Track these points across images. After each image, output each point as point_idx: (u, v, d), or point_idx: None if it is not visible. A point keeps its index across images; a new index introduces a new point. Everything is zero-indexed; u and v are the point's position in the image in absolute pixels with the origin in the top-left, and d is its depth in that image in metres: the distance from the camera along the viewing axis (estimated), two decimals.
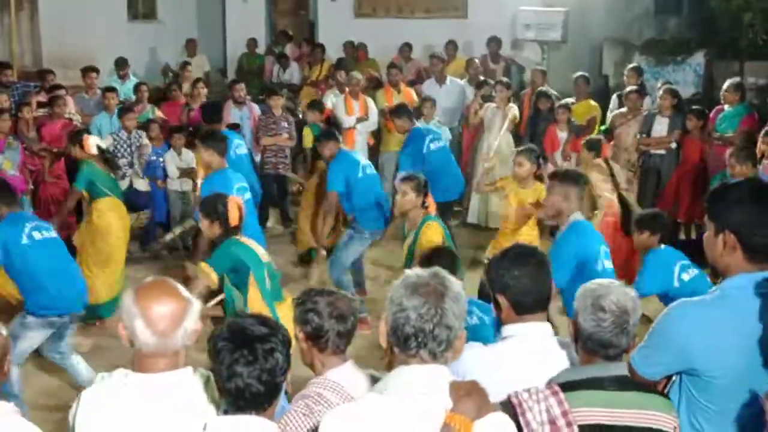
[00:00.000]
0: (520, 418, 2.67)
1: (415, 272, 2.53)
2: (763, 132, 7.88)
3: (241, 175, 7.33)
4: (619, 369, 2.83)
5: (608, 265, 5.27)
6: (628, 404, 2.75)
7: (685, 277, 5.93)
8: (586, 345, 2.83)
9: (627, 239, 7.25)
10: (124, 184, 9.31)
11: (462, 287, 2.55)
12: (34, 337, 5.91)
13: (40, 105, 10.19)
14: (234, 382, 2.37)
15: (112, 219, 7.74)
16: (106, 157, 7.86)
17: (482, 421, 2.41)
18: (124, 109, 9.89)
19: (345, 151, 8.30)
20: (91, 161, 7.72)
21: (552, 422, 2.64)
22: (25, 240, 5.83)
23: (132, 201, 9.16)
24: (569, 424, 2.64)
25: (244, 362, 2.37)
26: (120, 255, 7.87)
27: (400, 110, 9.10)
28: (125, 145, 9.54)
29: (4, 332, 2.92)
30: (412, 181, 6.20)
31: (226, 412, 2.45)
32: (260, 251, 5.60)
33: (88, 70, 11.32)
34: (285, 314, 5.59)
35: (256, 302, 5.45)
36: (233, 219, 5.50)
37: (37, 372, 6.67)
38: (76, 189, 7.78)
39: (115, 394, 2.70)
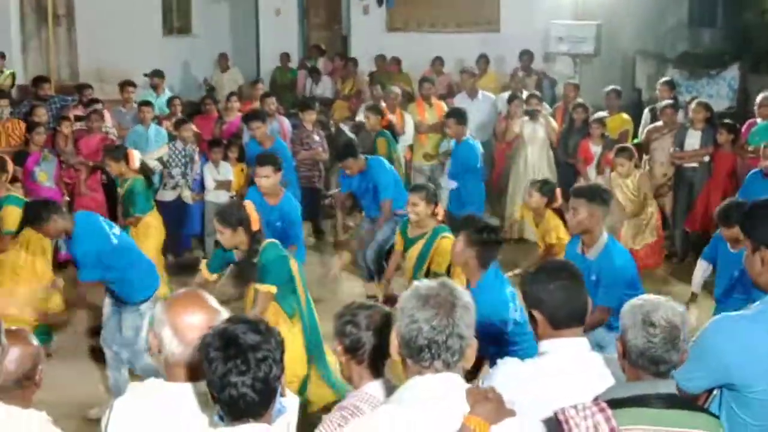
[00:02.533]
0: None
1: (425, 283, 2.55)
2: None
3: None
4: (667, 386, 2.80)
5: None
6: (675, 423, 2.73)
7: None
8: (637, 362, 2.80)
9: None
10: (173, 194, 9.52)
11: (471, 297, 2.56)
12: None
13: (77, 119, 10.33)
14: (228, 392, 2.35)
15: (153, 232, 7.94)
16: (145, 171, 8.01)
17: (499, 426, 2.43)
18: (180, 120, 10.02)
19: (376, 158, 8.43)
20: (138, 178, 7.89)
21: None
22: (114, 240, 6.14)
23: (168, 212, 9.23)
24: None
25: (237, 372, 2.34)
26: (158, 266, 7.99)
27: (460, 115, 9.17)
28: (180, 156, 9.61)
29: (36, 342, 2.97)
30: (422, 191, 6.32)
31: (221, 418, 2.44)
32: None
33: (126, 84, 11.47)
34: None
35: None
36: (255, 223, 5.47)
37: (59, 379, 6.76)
38: (140, 216, 7.91)
39: (147, 404, 2.72)
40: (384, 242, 8.18)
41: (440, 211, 6.41)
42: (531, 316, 3.09)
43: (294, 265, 5.66)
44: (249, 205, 5.59)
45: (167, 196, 9.54)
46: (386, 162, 8.52)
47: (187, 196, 9.69)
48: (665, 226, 9.57)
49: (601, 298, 4.99)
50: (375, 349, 3.16)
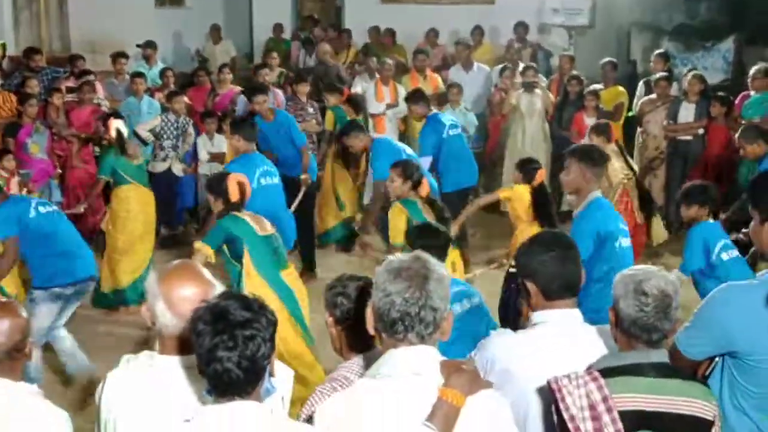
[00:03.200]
0: (560, 404, 2.68)
1: (397, 257, 2.54)
2: None
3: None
4: (659, 356, 2.82)
5: (625, 243, 5.18)
6: (668, 391, 2.75)
7: (725, 256, 5.77)
8: (629, 331, 2.82)
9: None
10: (163, 166, 9.46)
11: (446, 269, 2.56)
12: (44, 313, 5.97)
13: (69, 90, 10.27)
14: (213, 367, 2.33)
15: (133, 206, 7.81)
16: (123, 142, 7.88)
17: (475, 396, 2.44)
18: (172, 92, 9.94)
19: (381, 139, 8.37)
20: (115, 147, 7.82)
21: (592, 408, 2.65)
22: (32, 213, 5.91)
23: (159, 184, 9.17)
24: (609, 410, 2.65)
25: (224, 347, 2.32)
26: (144, 243, 7.92)
27: (416, 96, 9.05)
28: (172, 128, 9.53)
29: (25, 314, 2.96)
30: (398, 167, 6.30)
31: (209, 392, 2.42)
32: (260, 225, 5.75)
33: (118, 56, 11.39)
34: (291, 274, 5.94)
35: (253, 276, 5.65)
36: (233, 195, 5.74)
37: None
38: (101, 178, 7.96)
39: (141, 376, 2.73)
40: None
41: (425, 187, 6.32)
42: (524, 287, 3.09)
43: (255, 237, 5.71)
44: (233, 178, 5.77)
45: (158, 167, 9.48)
46: (393, 143, 8.46)
47: (178, 168, 9.64)
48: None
49: None
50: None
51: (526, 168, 6.97)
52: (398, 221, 6.01)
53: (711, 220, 5.98)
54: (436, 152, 8.59)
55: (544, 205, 6.77)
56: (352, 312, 3.16)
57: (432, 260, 2.53)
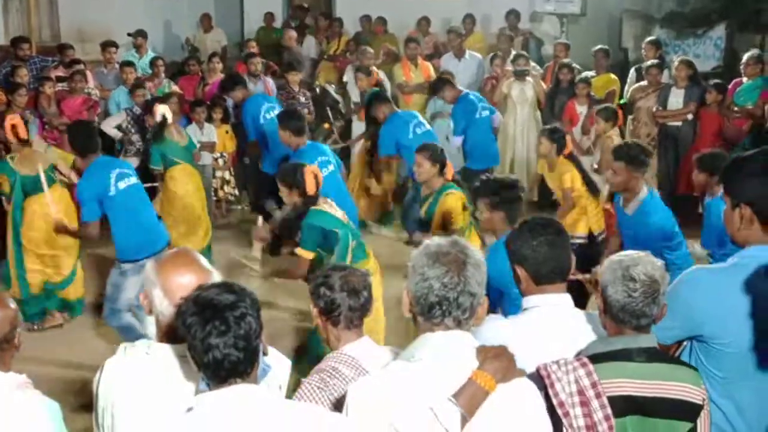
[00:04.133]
0: (549, 390, 2.68)
1: (436, 241, 2.55)
2: None
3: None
4: (647, 340, 2.82)
5: None
6: (657, 376, 2.76)
7: None
8: (617, 316, 2.82)
9: None
10: (136, 161, 9.29)
11: (481, 255, 2.56)
12: (132, 284, 6.07)
13: (58, 80, 10.22)
14: (211, 354, 2.33)
15: (188, 185, 8.04)
16: (165, 126, 8.00)
17: (506, 384, 2.44)
18: (135, 85, 9.89)
19: (397, 114, 8.50)
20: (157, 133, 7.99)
21: (581, 393, 2.66)
22: (112, 191, 6.10)
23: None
24: (598, 396, 2.66)
25: (217, 333, 2.33)
26: (202, 220, 8.10)
27: (440, 84, 9.28)
28: (138, 121, 9.51)
29: (13, 305, 2.95)
30: (427, 151, 6.28)
31: (208, 386, 2.43)
32: (339, 213, 5.66)
33: (107, 45, 11.34)
34: (372, 266, 5.74)
35: None
36: (310, 187, 5.55)
37: (59, 341, 6.74)
38: (154, 169, 8.11)
39: (137, 364, 2.73)
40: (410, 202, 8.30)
41: (450, 170, 6.36)
42: (514, 272, 3.09)
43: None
44: (309, 170, 5.62)
45: (132, 162, 9.44)
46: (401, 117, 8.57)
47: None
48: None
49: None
50: (351, 310, 3.16)
51: (557, 136, 7.13)
52: (456, 204, 6.07)
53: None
54: (467, 131, 8.94)
55: (584, 172, 7.10)
56: (336, 302, 3.16)
57: (469, 246, 2.54)
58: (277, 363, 2.87)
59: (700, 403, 2.79)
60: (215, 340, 2.34)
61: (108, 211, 6.13)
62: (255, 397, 2.39)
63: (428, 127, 8.55)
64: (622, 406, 2.71)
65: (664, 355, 2.87)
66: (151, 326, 6.05)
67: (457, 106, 9.07)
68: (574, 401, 2.65)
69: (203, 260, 2.81)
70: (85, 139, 6.32)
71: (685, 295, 2.96)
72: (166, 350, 2.72)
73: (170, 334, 2.72)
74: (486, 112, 9.09)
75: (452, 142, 9.11)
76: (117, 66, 10.85)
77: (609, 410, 2.66)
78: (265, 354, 2.51)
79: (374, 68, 10.77)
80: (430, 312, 2.47)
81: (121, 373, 2.74)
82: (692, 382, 2.80)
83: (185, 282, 2.68)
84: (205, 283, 2.62)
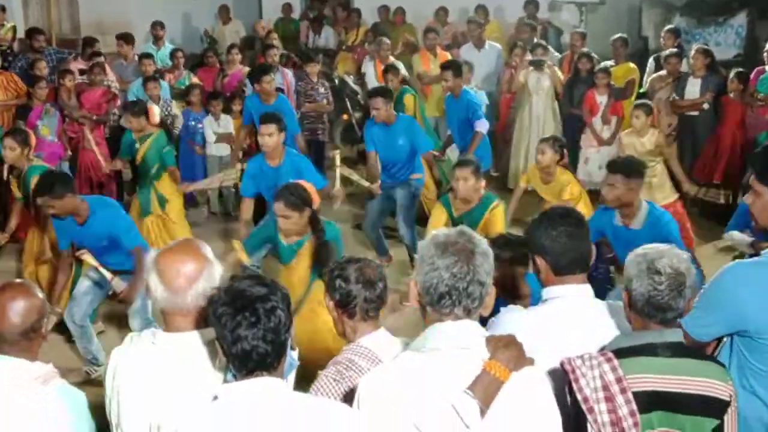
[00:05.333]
0: (573, 384, 2.68)
1: (443, 231, 2.55)
2: None
3: None
4: (674, 335, 2.80)
5: None
6: (683, 371, 2.73)
7: None
8: (643, 310, 2.80)
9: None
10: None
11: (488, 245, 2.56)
12: None
13: (80, 72, 10.27)
14: (240, 346, 2.35)
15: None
16: (166, 125, 7.99)
17: (519, 373, 2.44)
18: (147, 78, 9.88)
19: (407, 116, 8.27)
20: (160, 131, 7.91)
21: (606, 388, 2.65)
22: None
23: None
24: (623, 391, 2.64)
25: (247, 324, 2.34)
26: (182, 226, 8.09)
27: (458, 68, 8.88)
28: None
29: (41, 295, 2.98)
30: (470, 166, 6.13)
31: (234, 377, 2.44)
32: None
33: (121, 38, 11.36)
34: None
35: None
36: (317, 200, 5.41)
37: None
38: (170, 167, 7.92)
39: (144, 353, 2.77)
40: (405, 208, 7.93)
41: (482, 183, 6.26)
42: (534, 262, 3.08)
43: None
44: (306, 184, 5.45)
45: None
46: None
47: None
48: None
49: None
50: (366, 302, 3.17)
51: (560, 145, 7.08)
52: (502, 218, 6.05)
53: None
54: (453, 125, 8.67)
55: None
56: (352, 294, 3.16)
57: (476, 235, 2.54)
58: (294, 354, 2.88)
59: (728, 399, 2.76)
60: (245, 332, 2.35)
61: None
62: (279, 391, 2.41)
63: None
64: (648, 401, 2.69)
65: (690, 350, 2.84)
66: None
67: (468, 96, 8.74)
68: (599, 396, 2.64)
69: (207, 250, 2.83)
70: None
71: (728, 290, 2.94)
72: (171, 339, 2.76)
73: (175, 324, 2.77)
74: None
75: (477, 126, 8.54)
76: (136, 58, 10.87)
77: (634, 406, 2.64)
78: (293, 349, 2.52)
79: (392, 59, 10.74)
80: (439, 302, 2.47)
81: (127, 361, 2.78)
82: (719, 378, 2.77)
83: (183, 269, 2.72)
84: (201, 271, 2.69)
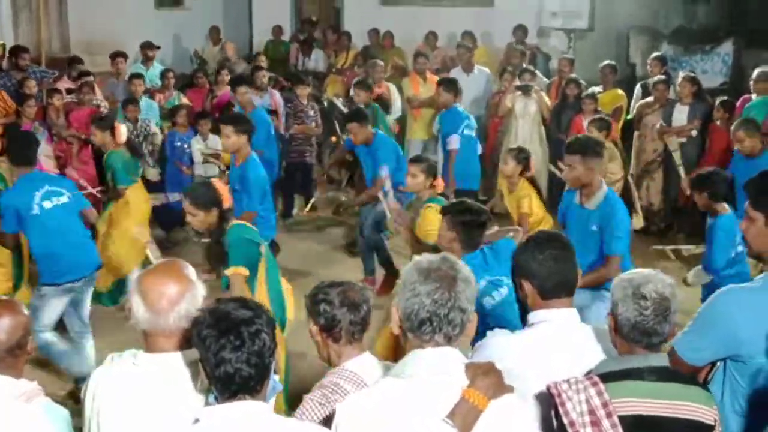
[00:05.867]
0: (560, 408, 2.68)
1: (426, 257, 2.55)
2: None
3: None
4: (659, 360, 2.82)
5: None
6: (668, 395, 2.74)
7: (740, 248, 5.56)
8: (629, 335, 2.81)
9: None
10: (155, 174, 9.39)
11: (470, 271, 2.56)
12: (54, 306, 5.98)
13: (68, 92, 10.26)
14: (223, 368, 2.35)
15: (141, 203, 7.86)
16: (133, 145, 7.93)
17: (497, 401, 2.44)
18: (126, 101, 9.88)
19: (382, 134, 8.29)
20: (117, 151, 7.77)
21: (592, 412, 2.64)
22: (35, 210, 5.89)
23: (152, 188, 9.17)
24: (609, 415, 2.64)
25: (231, 347, 2.34)
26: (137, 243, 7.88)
27: (451, 84, 9.05)
28: (131, 136, 9.45)
29: (26, 312, 2.99)
30: (422, 163, 6.31)
31: (216, 400, 2.44)
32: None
33: (117, 56, 11.38)
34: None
35: (263, 284, 5.35)
36: (227, 200, 5.23)
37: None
38: (122, 187, 7.69)
39: (125, 374, 2.76)
40: (379, 219, 7.95)
41: (439, 183, 6.37)
42: (520, 286, 3.09)
43: (262, 248, 5.36)
44: (218, 184, 5.35)
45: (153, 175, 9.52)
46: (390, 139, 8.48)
47: (152, 173, 9.61)
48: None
49: (612, 247, 5.08)
50: (351, 325, 3.15)
51: (523, 156, 7.13)
52: (435, 220, 5.99)
53: (728, 211, 5.79)
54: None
55: (539, 192, 7.09)
56: (336, 318, 3.14)
57: (459, 262, 2.54)
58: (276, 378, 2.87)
59: (712, 423, 2.77)
60: (229, 355, 2.35)
61: (27, 230, 5.95)
62: (260, 415, 2.40)
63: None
64: (633, 425, 2.69)
65: (675, 374, 2.85)
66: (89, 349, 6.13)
67: (445, 114, 8.96)
68: (585, 421, 2.64)
69: (191, 271, 2.83)
70: (20, 149, 6.16)
71: (723, 313, 2.95)
72: (152, 360, 2.74)
73: (157, 345, 2.75)
74: (470, 131, 8.89)
75: (448, 145, 8.77)
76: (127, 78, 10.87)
77: (620, 430, 2.64)
78: (276, 372, 2.51)
79: (385, 83, 10.80)
80: (420, 328, 2.47)
81: (107, 383, 2.76)
82: (704, 403, 2.78)
83: (166, 290, 2.71)
84: (183, 293, 2.68)
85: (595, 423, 2.63)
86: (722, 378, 3.05)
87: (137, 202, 7.81)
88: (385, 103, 10.08)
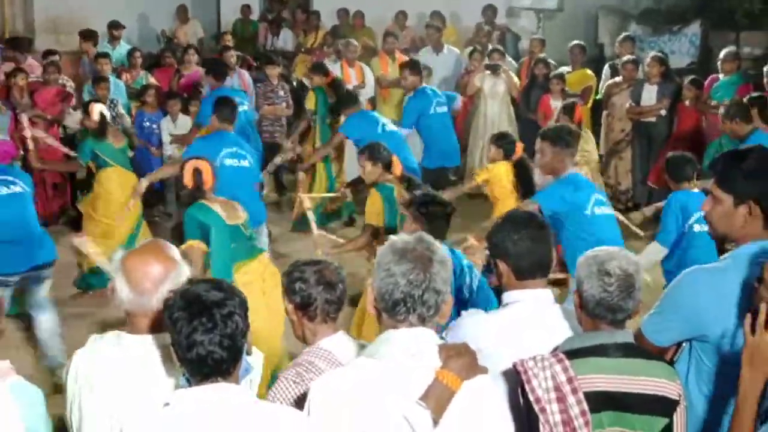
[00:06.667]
0: (526, 385, 2.69)
1: (402, 237, 2.54)
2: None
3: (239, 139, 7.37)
4: (623, 336, 2.84)
5: (600, 211, 5.43)
6: (633, 371, 2.76)
7: (697, 228, 5.54)
8: (594, 312, 2.83)
9: None
10: None
11: (446, 252, 2.56)
12: None
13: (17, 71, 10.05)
14: (195, 351, 2.33)
15: (114, 188, 7.71)
16: (104, 126, 7.81)
17: (470, 382, 2.44)
18: (96, 79, 9.76)
19: (363, 111, 8.33)
20: (95, 131, 7.74)
21: (557, 389, 2.66)
22: None
23: None
24: (574, 391, 2.66)
25: (203, 330, 2.32)
26: (123, 227, 7.77)
27: (414, 66, 9.07)
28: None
29: None
30: (365, 152, 6.31)
31: (188, 381, 2.42)
32: (227, 213, 5.52)
33: (85, 36, 11.22)
34: (255, 268, 5.63)
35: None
36: (188, 181, 5.47)
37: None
38: (80, 163, 7.83)
39: (107, 354, 2.74)
40: None
41: (397, 165, 6.35)
42: (495, 266, 3.09)
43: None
44: (190, 165, 5.54)
45: None
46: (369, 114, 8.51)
47: None
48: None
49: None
50: (327, 304, 3.15)
51: (504, 142, 7.09)
52: (374, 204, 6.05)
53: (695, 189, 5.83)
54: (417, 125, 8.70)
55: (527, 179, 6.87)
56: (312, 296, 3.13)
57: (435, 243, 2.53)
58: (250, 358, 2.86)
59: (676, 398, 2.79)
60: (200, 337, 2.33)
61: None
62: (233, 397, 2.38)
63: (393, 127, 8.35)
64: (599, 401, 2.71)
65: (640, 350, 2.88)
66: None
67: (411, 99, 8.97)
68: (550, 397, 2.65)
69: (174, 252, 2.82)
70: None
71: (686, 296, 2.96)
72: (136, 341, 2.73)
73: (141, 326, 2.74)
74: (442, 108, 8.91)
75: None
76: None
77: (585, 405, 2.66)
78: (248, 354, 2.50)
79: (358, 63, 10.76)
80: (394, 309, 2.46)
81: (90, 362, 2.75)
82: (668, 378, 2.81)
83: (150, 271, 2.70)
84: (172, 273, 2.67)
85: (561, 399, 2.65)
86: (688, 358, 3.08)
87: (111, 188, 7.71)
88: (339, 87, 9.92)
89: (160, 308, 2.66)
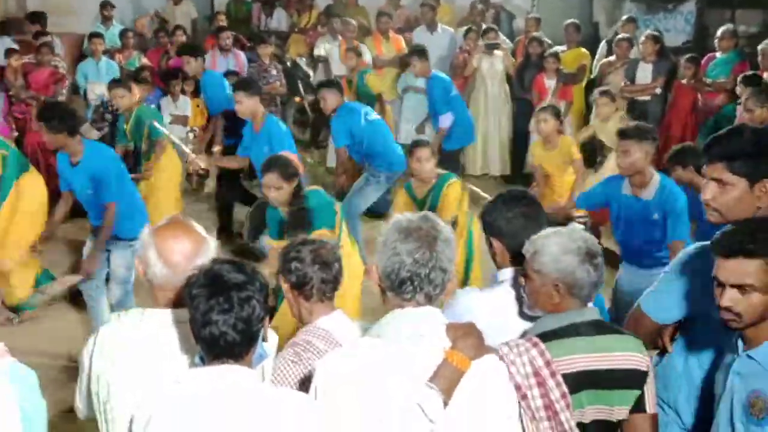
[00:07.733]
0: None
1: (406, 216, 2.54)
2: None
3: None
4: (591, 313, 2.82)
5: None
6: (605, 348, 2.76)
7: None
8: (572, 291, 2.79)
9: None
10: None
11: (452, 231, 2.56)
12: None
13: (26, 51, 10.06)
14: (209, 330, 2.33)
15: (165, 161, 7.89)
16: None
17: (479, 361, 2.44)
18: (91, 35, 9.89)
19: (344, 107, 8.00)
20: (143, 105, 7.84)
21: (536, 374, 2.64)
22: None
23: None
24: (553, 374, 2.64)
25: (219, 310, 2.32)
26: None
27: (422, 52, 9.12)
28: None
29: None
30: (428, 146, 6.35)
31: (202, 359, 2.42)
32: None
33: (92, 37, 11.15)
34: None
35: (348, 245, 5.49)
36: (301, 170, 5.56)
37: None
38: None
39: (131, 329, 2.74)
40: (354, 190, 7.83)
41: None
42: (490, 244, 3.10)
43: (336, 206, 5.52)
44: (291, 156, 5.59)
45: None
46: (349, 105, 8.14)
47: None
48: None
49: (676, 233, 5.03)
50: (323, 283, 3.16)
51: (557, 111, 7.47)
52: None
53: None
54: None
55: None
56: (308, 275, 3.15)
57: (440, 221, 2.53)
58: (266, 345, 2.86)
59: (645, 369, 2.80)
60: (216, 317, 2.33)
61: None
62: (241, 381, 2.38)
63: (377, 116, 8.23)
64: (577, 381, 2.71)
65: (607, 326, 2.87)
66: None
67: (434, 85, 8.97)
68: (530, 383, 2.63)
69: (200, 228, 2.83)
70: None
71: (690, 272, 2.95)
72: (161, 315, 2.73)
73: (165, 300, 2.75)
74: (456, 91, 9.12)
75: (441, 122, 8.90)
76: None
77: (565, 388, 2.65)
78: (265, 340, 2.50)
79: (357, 42, 10.72)
80: (401, 287, 2.46)
81: (114, 338, 2.75)
82: (636, 350, 2.81)
83: (180, 246, 2.71)
84: (201, 249, 2.68)
85: (541, 384, 2.63)
86: (686, 336, 3.09)
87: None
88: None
89: (184, 284, 2.68)
